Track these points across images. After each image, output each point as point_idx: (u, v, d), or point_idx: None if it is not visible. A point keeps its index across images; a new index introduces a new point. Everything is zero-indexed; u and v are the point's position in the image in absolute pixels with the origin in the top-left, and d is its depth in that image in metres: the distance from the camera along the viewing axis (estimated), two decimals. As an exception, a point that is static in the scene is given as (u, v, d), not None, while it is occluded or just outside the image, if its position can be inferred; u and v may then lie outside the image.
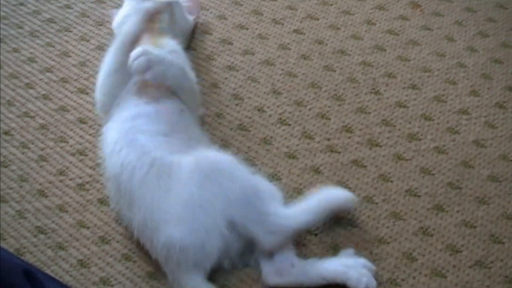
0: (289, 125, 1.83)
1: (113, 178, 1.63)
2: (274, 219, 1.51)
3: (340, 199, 1.60)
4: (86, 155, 1.86)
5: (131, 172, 1.57)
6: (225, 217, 1.49)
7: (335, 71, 1.94)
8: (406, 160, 1.73)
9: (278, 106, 1.87)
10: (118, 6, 2.19)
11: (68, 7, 2.29)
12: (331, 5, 2.12)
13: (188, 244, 1.48)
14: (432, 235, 1.59)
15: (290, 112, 1.85)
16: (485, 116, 1.80)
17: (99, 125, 1.90)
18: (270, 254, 1.52)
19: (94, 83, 2.00)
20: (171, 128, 1.66)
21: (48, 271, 1.63)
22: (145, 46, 1.67)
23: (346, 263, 1.51)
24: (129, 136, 1.63)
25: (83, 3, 2.29)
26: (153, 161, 1.56)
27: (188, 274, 1.50)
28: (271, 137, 1.79)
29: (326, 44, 2.01)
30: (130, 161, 1.58)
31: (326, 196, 1.58)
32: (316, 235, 1.61)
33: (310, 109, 1.86)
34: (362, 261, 1.51)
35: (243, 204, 1.50)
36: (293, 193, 1.68)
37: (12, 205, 1.79)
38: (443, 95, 1.85)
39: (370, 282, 1.48)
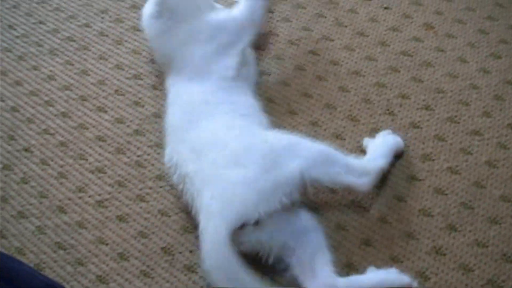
0: (305, 144, 1.84)
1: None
2: (359, 164, 1.67)
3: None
4: (105, 173, 1.89)
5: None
6: (301, 176, 1.58)
7: (349, 92, 1.96)
8: (420, 180, 1.75)
9: (293, 127, 1.89)
10: (136, 25, 2.23)
11: (87, 26, 2.32)
12: (346, 26, 2.13)
13: (253, 185, 1.56)
14: (445, 255, 1.61)
15: (305, 133, 1.85)
16: (497, 137, 1.81)
17: (118, 143, 1.94)
18: (312, 271, 1.56)
19: (113, 102, 2.04)
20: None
21: (67, 287, 1.66)
22: None
23: (382, 271, 1.57)
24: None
25: (102, 22, 2.32)
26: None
27: (222, 221, 1.54)
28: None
29: (341, 65, 2.03)
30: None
31: (384, 141, 1.77)
32: (331, 253, 1.63)
33: (325, 130, 1.88)
34: (394, 270, 1.57)
35: (322, 161, 1.62)
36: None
37: (32, 221, 1.82)
38: (456, 116, 1.86)
39: (412, 281, 1.55)
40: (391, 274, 1.56)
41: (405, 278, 1.54)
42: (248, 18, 1.95)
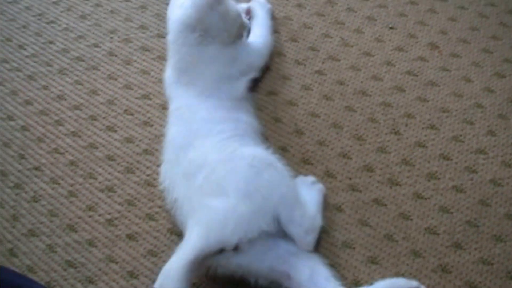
0: (312, 164, 1.87)
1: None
2: (309, 220, 1.65)
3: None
4: (115, 192, 1.91)
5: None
6: (274, 210, 1.60)
7: (356, 111, 1.97)
8: (425, 198, 1.76)
9: (301, 146, 1.91)
10: (144, 45, 2.26)
11: (96, 46, 2.34)
12: (352, 46, 2.15)
13: (232, 212, 1.57)
14: (450, 272, 1.63)
15: (312, 152, 1.89)
16: (501, 156, 1.83)
17: (127, 162, 1.96)
18: None
19: (122, 121, 2.06)
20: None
21: (78, 305, 1.68)
22: None
23: (390, 279, 1.60)
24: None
25: (111, 42, 2.34)
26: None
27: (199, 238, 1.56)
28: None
29: (347, 85, 2.04)
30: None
31: (318, 196, 1.76)
32: (338, 271, 1.65)
33: (332, 149, 1.90)
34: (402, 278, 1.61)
35: (291, 202, 1.62)
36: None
37: (43, 239, 1.84)
38: (461, 135, 1.88)
39: (420, 284, 1.57)
40: (399, 280, 1.59)
41: (413, 282, 1.57)
42: (265, 55, 2.08)
